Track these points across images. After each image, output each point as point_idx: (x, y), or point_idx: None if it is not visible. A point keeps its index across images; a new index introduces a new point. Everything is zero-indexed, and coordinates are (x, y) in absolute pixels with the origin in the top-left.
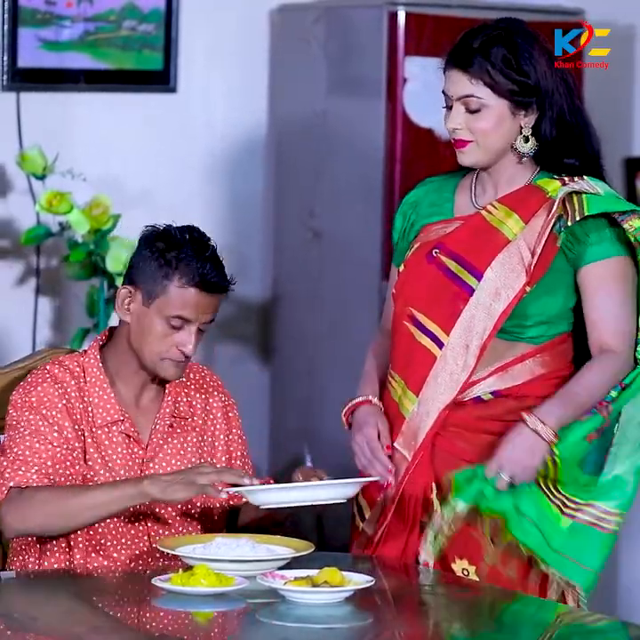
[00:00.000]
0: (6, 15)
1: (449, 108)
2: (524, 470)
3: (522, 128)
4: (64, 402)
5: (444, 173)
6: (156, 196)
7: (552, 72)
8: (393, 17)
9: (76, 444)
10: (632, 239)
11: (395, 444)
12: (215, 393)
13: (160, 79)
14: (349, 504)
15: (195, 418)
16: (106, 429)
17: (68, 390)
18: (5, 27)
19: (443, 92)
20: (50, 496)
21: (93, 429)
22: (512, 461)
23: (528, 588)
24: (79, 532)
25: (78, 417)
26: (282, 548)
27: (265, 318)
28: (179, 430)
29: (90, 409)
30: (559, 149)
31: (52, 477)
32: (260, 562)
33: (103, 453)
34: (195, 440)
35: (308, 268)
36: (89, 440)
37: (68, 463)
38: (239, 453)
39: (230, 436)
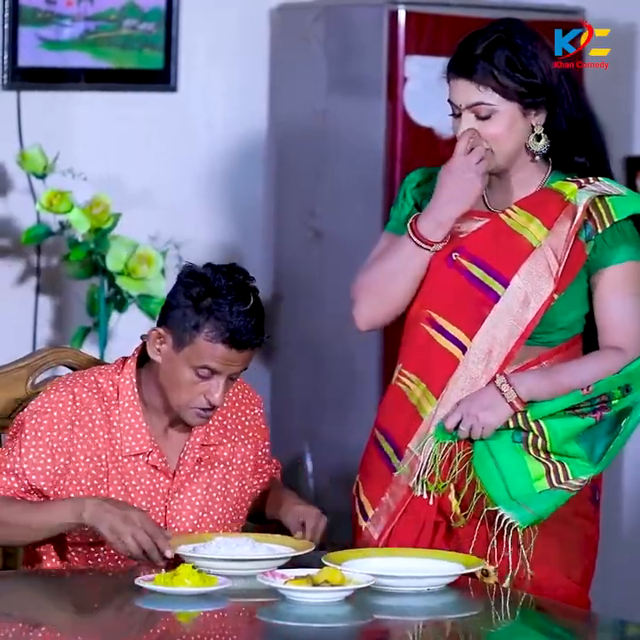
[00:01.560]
0: (7, 14)
1: (457, 116)
2: (479, 423)
3: (533, 127)
4: (82, 434)
5: (440, 167)
6: (156, 195)
7: (555, 68)
8: (393, 16)
9: (90, 478)
10: None
11: (409, 445)
12: (247, 411)
13: (160, 78)
14: (350, 501)
15: (224, 440)
16: (133, 459)
17: (93, 418)
18: (6, 26)
19: (449, 101)
20: (8, 511)
21: (120, 458)
22: (470, 414)
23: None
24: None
25: (100, 446)
26: (282, 546)
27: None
28: (209, 459)
29: (118, 436)
30: (570, 146)
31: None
32: (260, 561)
33: (126, 483)
34: (222, 469)
35: (308, 268)
36: (113, 471)
37: (57, 491)
38: (265, 462)
39: (259, 453)
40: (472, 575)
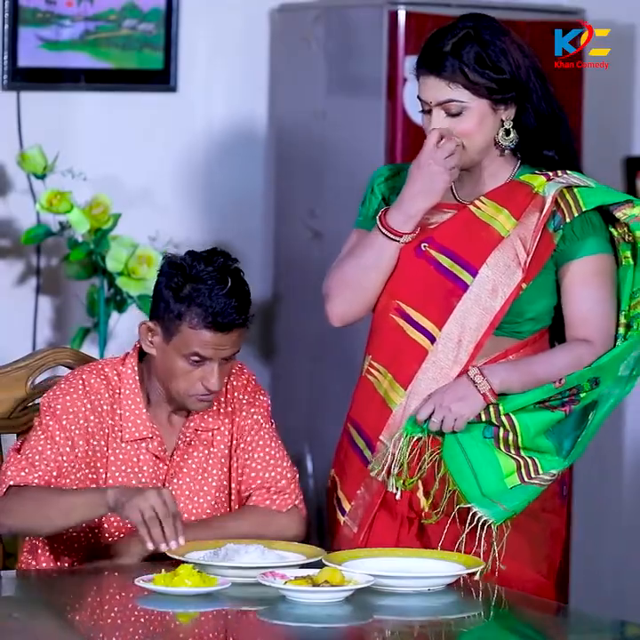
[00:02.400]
0: (6, 14)
1: (426, 112)
2: (452, 415)
3: (503, 122)
4: (93, 417)
5: (409, 163)
6: (156, 195)
7: (524, 63)
8: (393, 16)
9: (91, 463)
10: (616, 234)
11: (381, 437)
12: (247, 396)
13: (160, 78)
14: (326, 495)
15: (222, 428)
16: (134, 445)
17: (101, 402)
18: (6, 26)
19: (418, 97)
20: (35, 495)
21: (121, 443)
22: (443, 406)
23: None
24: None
25: (106, 431)
26: (292, 553)
27: (265, 318)
28: (205, 441)
29: (121, 422)
30: (539, 139)
31: (52, 485)
32: (270, 568)
33: (127, 469)
34: (222, 448)
35: (308, 268)
36: (112, 457)
37: (69, 480)
38: (262, 454)
39: (257, 440)
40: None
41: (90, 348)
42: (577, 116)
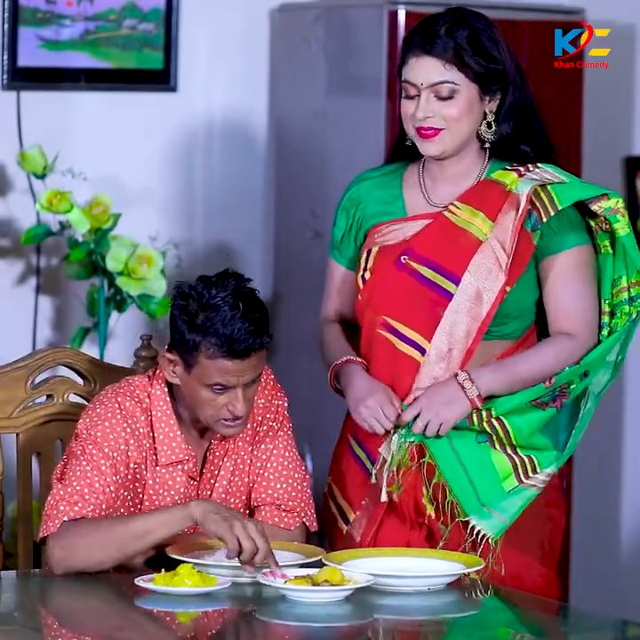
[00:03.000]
0: (6, 14)
1: (411, 97)
2: (438, 418)
3: (486, 114)
4: (132, 441)
5: (382, 167)
6: (156, 195)
7: (510, 56)
8: (393, 16)
9: (130, 487)
10: (593, 223)
11: (380, 450)
12: (263, 399)
13: (160, 78)
14: (323, 500)
15: (245, 435)
16: (170, 468)
17: (138, 426)
18: (6, 26)
19: (405, 81)
20: (95, 526)
21: (157, 467)
22: (430, 409)
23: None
24: None
25: (144, 454)
26: (292, 553)
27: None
28: (231, 453)
29: (156, 446)
30: (517, 135)
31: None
32: (270, 568)
33: (164, 492)
34: (244, 457)
35: (308, 268)
36: (150, 480)
37: (118, 505)
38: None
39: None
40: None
41: (90, 348)
42: (577, 115)
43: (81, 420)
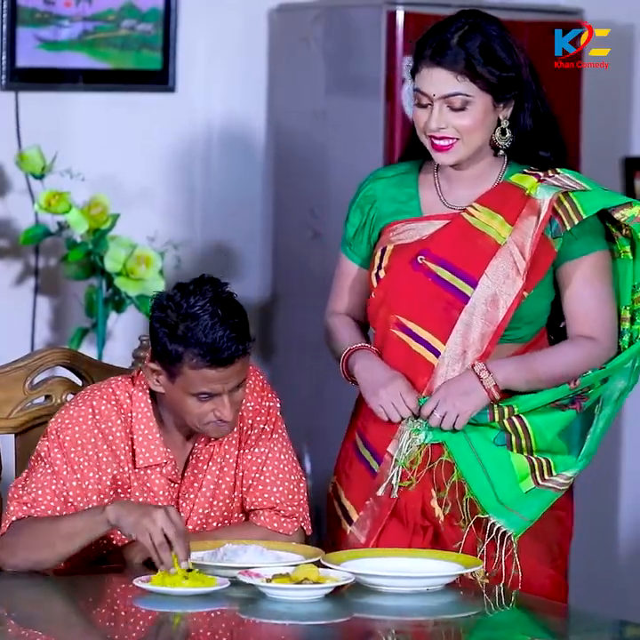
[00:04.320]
0: (5, 15)
1: (423, 106)
2: (455, 410)
3: (500, 121)
4: (105, 447)
5: (397, 165)
6: (154, 195)
7: (525, 61)
8: (392, 16)
9: (110, 493)
10: (614, 229)
11: (388, 450)
12: (253, 402)
13: (159, 79)
14: (326, 500)
15: (231, 439)
16: (148, 471)
17: (113, 430)
18: (4, 26)
19: (417, 90)
20: (35, 527)
21: (136, 470)
22: (446, 400)
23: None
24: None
25: (122, 457)
26: (290, 554)
27: (265, 318)
28: (215, 457)
29: (134, 448)
30: (535, 141)
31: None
32: (267, 568)
33: (146, 496)
34: (231, 462)
35: (307, 268)
36: (134, 483)
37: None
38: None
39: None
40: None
41: (88, 349)
42: (576, 116)
43: (53, 419)
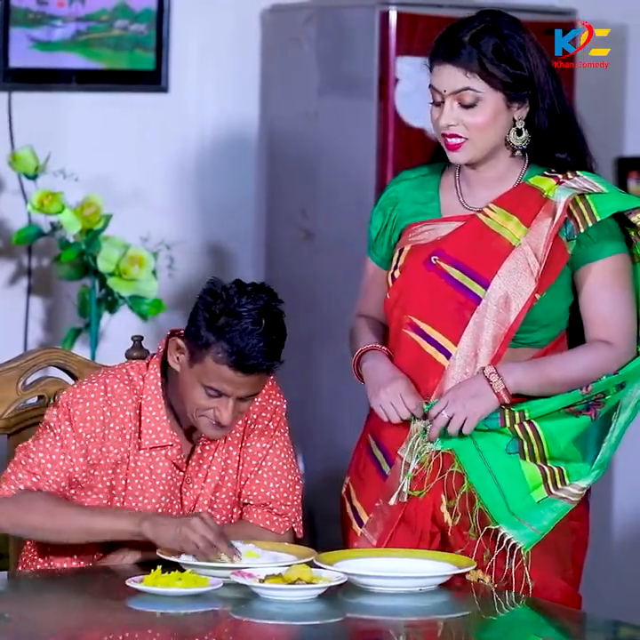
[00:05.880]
0: None
1: (437, 104)
2: (463, 412)
3: (515, 121)
4: (112, 425)
5: (420, 168)
6: (147, 195)
7: (541, 62)
8: (384, 17)
9: (109, 471)
10: (632, 233)
11: (399, 452)
12: (260, 398)
13: (152, 79)
14: (340, 502)
15: (236, 432)
16: (154, 453)
17: (123, 408)
18: None
19: (431, 87)
20: (47, 507)
21: (140, 450)
22: (455, 402)
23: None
24: None
25: (128, 437)
26: (285, 554)
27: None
28: (221, 448)
29: (141, 429)
30: (551, 142)
31: (62, 494)
32: (263, 568)
33: (146, 477)
34: (234, 454)
35: (300, 269)
36: (133, 463)
37: (83, 487)
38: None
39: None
40: (460, 575)
41: (81, 349)
42: None
43: (65, 392)
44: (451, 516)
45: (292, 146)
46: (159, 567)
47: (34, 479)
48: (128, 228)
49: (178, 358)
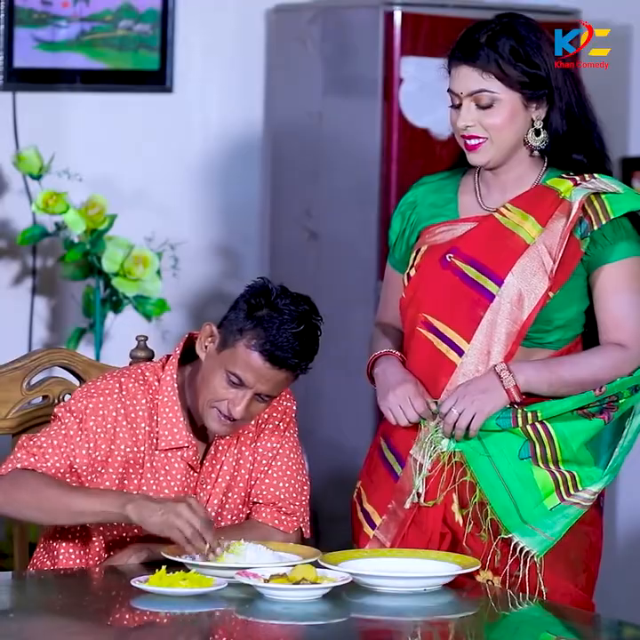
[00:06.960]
0: (2, 15)
1: (456, 106)
2: (472, 407)
3: (533, 121)
4: (125, 423)
5: (441, 172)
6: (151, 196)
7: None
8: (389, 17)
9: (120, 470)
10: None
11: (411, 452)
12: (278, 397)
13: (156, 79)
14: (349, 505)
15: (248, 433)
16: (169, 454)
17: (137, 408)
18: (1, 27)
19: (449, 90)
20: (37, 485)
21: (156, 452)
22: (465, 397)
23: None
24: (101, 529)
25: (141, 437)
26: (289, 554)
27: None
28: (234, 449)
29: (157, 429)
30: (569, 143)
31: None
32: (266, 568)
33: (160, 477)
34: (246, 455)
35: (304, 269)
36: (148, 463)
37: (88, 483)
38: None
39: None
40: (470, 576)
41: (86, 349)
42: None
43: (79, 388)
44: (464, 523)
45: (296, 146)
46: (164, 567)
47: (32, 459)
48: (132, 228)
49: (206, 346)
